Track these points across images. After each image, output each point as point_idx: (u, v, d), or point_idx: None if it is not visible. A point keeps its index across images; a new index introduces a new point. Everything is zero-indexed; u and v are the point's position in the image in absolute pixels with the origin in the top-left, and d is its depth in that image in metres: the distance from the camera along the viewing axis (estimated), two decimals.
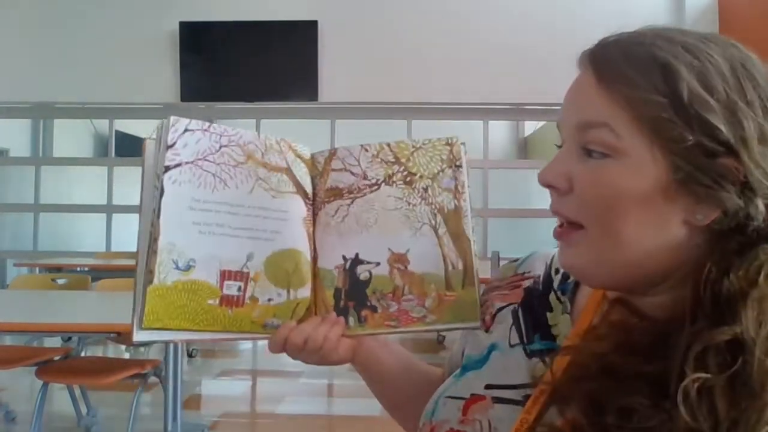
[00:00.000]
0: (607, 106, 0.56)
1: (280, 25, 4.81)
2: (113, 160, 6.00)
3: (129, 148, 6.04)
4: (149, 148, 0.76)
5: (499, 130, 7.70)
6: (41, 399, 2.83)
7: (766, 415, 0.48)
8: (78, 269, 5.17)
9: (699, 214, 0.55)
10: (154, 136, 0.76)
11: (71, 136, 7.04)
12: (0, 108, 5.31)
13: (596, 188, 0.57)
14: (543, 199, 0.66)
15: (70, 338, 4.34)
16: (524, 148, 8.20)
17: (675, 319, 0.55)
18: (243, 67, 4.86)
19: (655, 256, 0.57)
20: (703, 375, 0.50)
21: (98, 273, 4.60)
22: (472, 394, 0.67)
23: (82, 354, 3.77)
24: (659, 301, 0.59)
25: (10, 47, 5.02)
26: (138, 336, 0.71)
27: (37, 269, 5.60)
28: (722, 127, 0.53)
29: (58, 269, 5.31)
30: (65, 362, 3.16)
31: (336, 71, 4.85)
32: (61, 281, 4.02)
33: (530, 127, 7.85)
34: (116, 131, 5.62)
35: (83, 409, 3.48)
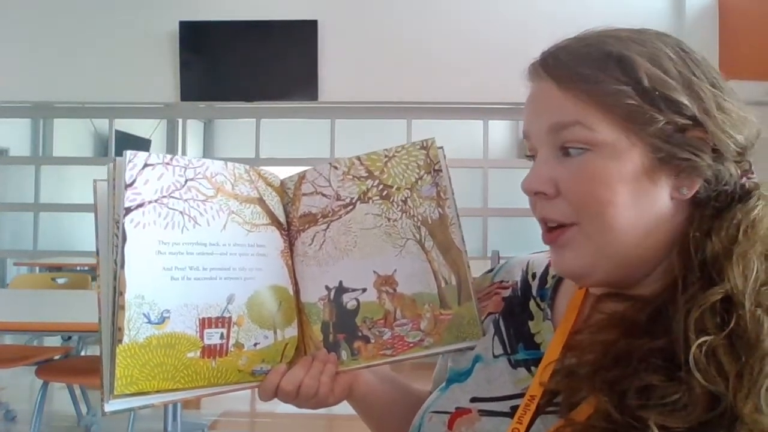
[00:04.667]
0: (575, 105, 0.58)
1: (280, 25, 4.81)
2: (113, 160, 5.96)
3: (129, 148, 5.99)
4: (101, 191, 0.67)
5: (499, 130, 7.69)
6: (41, 398, 2.83)
7: (767, 365, 0.50)
8: (78, 269, 5.17)
9: (683, 187, 0.58)
10: (105, 177, 0.67)
11: (71, 136, 7.03)
12: (0, 108, 5.31)
13: (583, 184, 0.58)
14: None
15: (70, 338, 4.33)
16: (524, 149, 8.20)
17: (664, 290, 0.57)
18: (243, 67, 4.86)
19: (647, 237, 0.58)
20: (706, 338, 0.51)
21: None
22: (457, 408, 0.66)
23: (82, 353, 3.77)
24: (650, 290, 0.60)
25: (10, 47, 5.02)
26: (110, 406, 0.62)
27: (37, 269, 5.61)
28: (686, 102, 0.56)
29: (58, 269, 5.31)
30: (65, 361, 3.17)
31: (336, 71, 4.84)
32: (61, 281, 4.02)
33: None
34: (116, 131, 5.61)
35: (83, 409, 3.48)
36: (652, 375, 0.53)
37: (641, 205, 0.57)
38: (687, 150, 0.56)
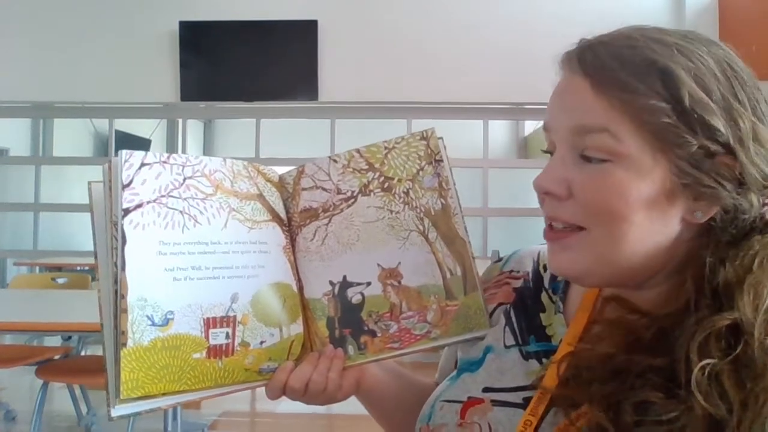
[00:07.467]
0: (606, 111, 0.55)
1: (280, 25, 4.81)
2: (109, 160, 5.96)
3: (129, 147, 5.96)
4: (96, 192, 0.66)
5: (499, 130, 7.68)
6: (41, 398, 2.83)
7: None
8: (78, 269, 5.17)
9: (698, 211, 0.56)
10: (101, 179, 0.65)
11: (71, 136, 7.03)
12: (0, 108, 5.31)
13: (600, 193, 0.56)
14: None
15: (70, 337, 4.33)
16: (524, 148, 8.19)
17: (673, 312, 0.56)
18: (243, 66, 4.86)
19: (653, 254, 0.57)
20: (710, 361, 0.51)
21: None
22: (469, 397, 0.66)
23: (82, 353, 3.77)
24: (652, 294, 0.60)
25: (10, 47, 5.02)
26: (116, 411, 0.61)
27: (37, 268, 5.61)
28: (722, 129, 0.54)
29: (58, 268, 5.32)
30: (65, 361, 3.17)
31: (336, 71, 4.84)
32: (61, 281, 4.02)
33: (530, 127, 7.84)
34: (116, 131, 5.61)
35: (83, 409, 3.48)
36: (650, 391, 0.52)
37: (653, 224, 0.56)
38: (712, 177, 0.54)
